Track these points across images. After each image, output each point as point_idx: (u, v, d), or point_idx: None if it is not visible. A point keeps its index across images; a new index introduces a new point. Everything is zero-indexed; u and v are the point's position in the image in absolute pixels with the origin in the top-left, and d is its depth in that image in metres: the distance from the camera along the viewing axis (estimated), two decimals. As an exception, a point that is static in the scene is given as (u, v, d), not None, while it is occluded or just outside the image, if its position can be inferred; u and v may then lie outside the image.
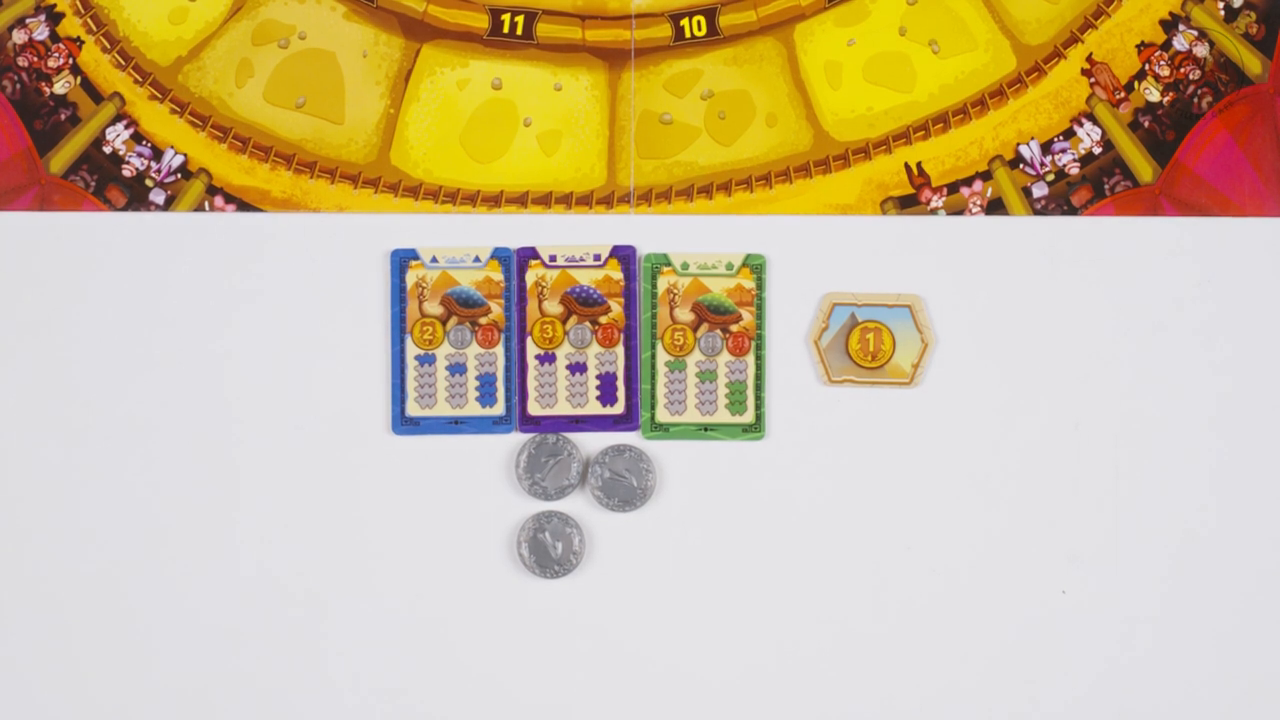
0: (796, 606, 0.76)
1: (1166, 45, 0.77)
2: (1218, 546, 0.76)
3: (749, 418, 0.76)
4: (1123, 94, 0.77)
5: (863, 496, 0.76)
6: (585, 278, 0.76)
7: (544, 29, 0.77)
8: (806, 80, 0.77)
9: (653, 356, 0.76)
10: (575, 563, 0.75)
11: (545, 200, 0.77)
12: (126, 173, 0.76)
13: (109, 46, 0.76)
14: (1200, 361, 0.76)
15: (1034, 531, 0.76)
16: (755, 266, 0.76)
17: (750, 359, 0.76)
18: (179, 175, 0.76)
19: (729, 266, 0.76)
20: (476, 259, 0.76)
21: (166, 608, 0.75)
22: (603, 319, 0.76)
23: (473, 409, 0.76)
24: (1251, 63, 0.77)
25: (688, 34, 0.77)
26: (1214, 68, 0.77)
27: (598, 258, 0.76)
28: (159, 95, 0.77)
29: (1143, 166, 0.77)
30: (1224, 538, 0.76)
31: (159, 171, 0.76)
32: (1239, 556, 0.76)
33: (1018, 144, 0.77)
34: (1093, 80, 0.77)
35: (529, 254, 0.76)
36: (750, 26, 0.77)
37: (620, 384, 0.76)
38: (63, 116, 0.76)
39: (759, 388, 0.76)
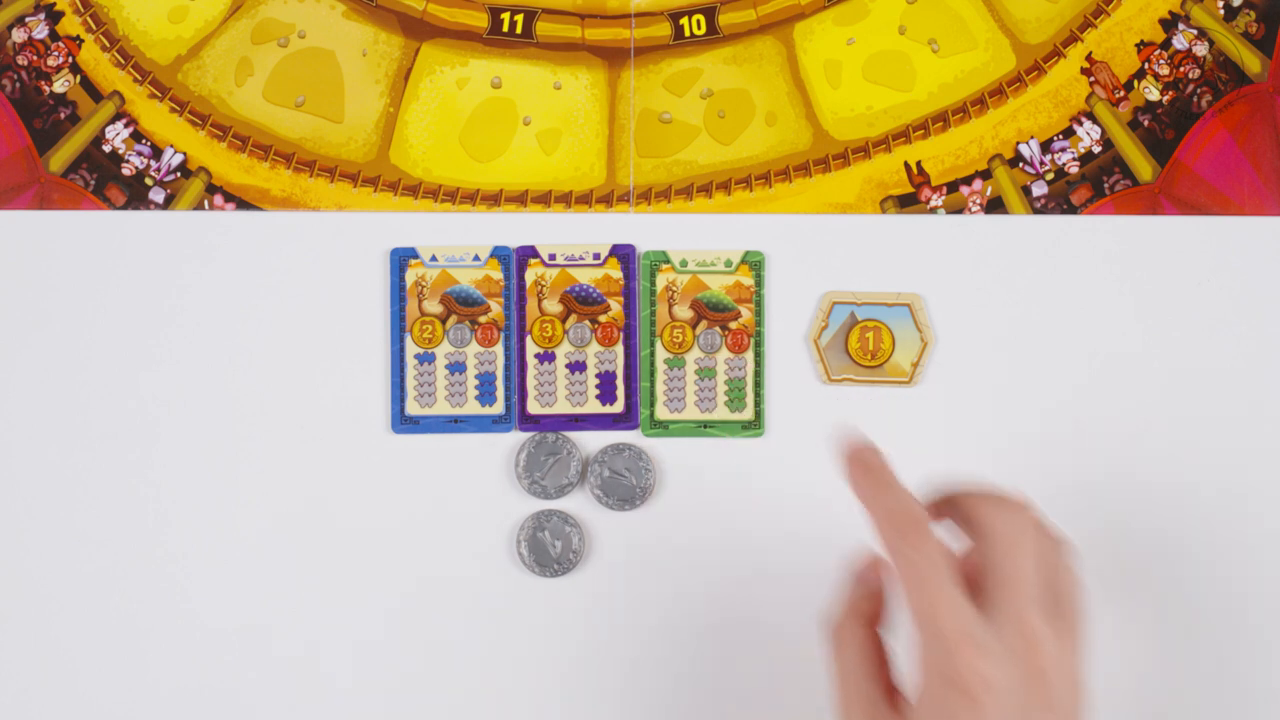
0: (796, 604, 0.75)
1: (1166, 44, 0.77)
2: (1219, 545, 0.76)
3: (748, 414, 0.76)
4: (1122, 93, 0.77)
5: (862, 495, 0.76)
6: (584, 276, 0.76)
7: (543, 28, 0.77)
8: (806, 79, 0.77)
9: (652, 354, 0.76)
10: (575, 561, 0.75)
11: (545, 199, 0.77)
12: (126, 171, 0.76)
13: (108, 45, 0.77)
14: (1200, 360, 0.76)
15: (1034, 531, 0.76)
16: (754, 263, 0.76)
17: (749, 356, 0.76)
18: (178, 174, 0.76)
19: (728, 264, 0.76)
20: (476, 258, 0.76)
21: (165, 606, 0.75)
22: (602, 317, 0.76)
23: (472, 408, 0.76)
24: (1251, 62, 0.77)
25: (687, 33, 0.77)
26: (1213, 67, 0.77)
27: (597, 256, 0.76)
28: (158, 94, 0.77)
29: (1142, 165, 0.77)
30: (1224, 536, 0.76)
31: (158, 170, 0.76)
32: (1239, 554, 0.76)
33: (1017, 143, 0.77)
34: (1092, 79, 0.77)
35: (528, 253, 0.76)
36: (750, 25, 0.77)
37: (619, 382, 0.76)
38: (62, 115, 0.76)
39: (758, 384, 0.76)
